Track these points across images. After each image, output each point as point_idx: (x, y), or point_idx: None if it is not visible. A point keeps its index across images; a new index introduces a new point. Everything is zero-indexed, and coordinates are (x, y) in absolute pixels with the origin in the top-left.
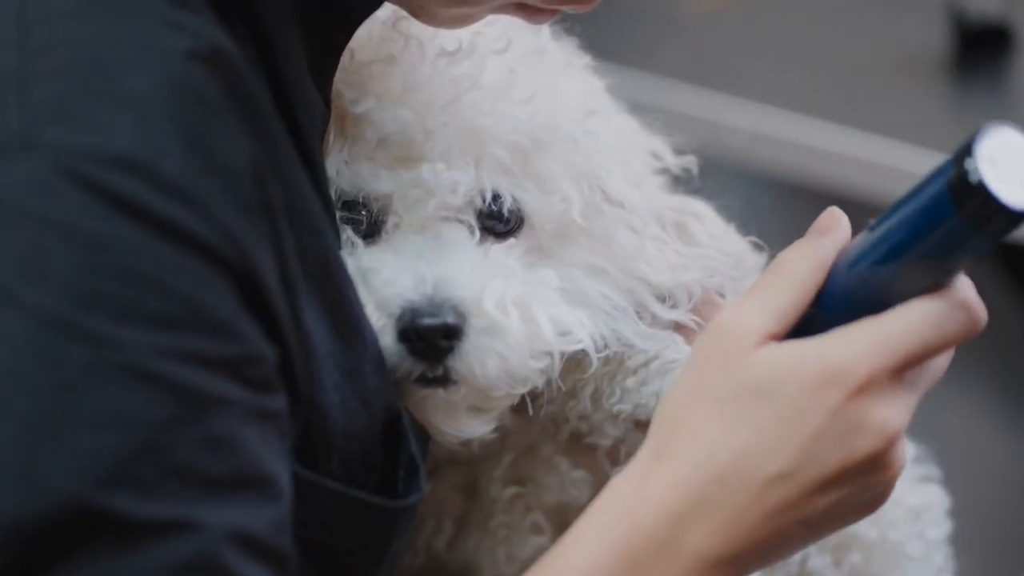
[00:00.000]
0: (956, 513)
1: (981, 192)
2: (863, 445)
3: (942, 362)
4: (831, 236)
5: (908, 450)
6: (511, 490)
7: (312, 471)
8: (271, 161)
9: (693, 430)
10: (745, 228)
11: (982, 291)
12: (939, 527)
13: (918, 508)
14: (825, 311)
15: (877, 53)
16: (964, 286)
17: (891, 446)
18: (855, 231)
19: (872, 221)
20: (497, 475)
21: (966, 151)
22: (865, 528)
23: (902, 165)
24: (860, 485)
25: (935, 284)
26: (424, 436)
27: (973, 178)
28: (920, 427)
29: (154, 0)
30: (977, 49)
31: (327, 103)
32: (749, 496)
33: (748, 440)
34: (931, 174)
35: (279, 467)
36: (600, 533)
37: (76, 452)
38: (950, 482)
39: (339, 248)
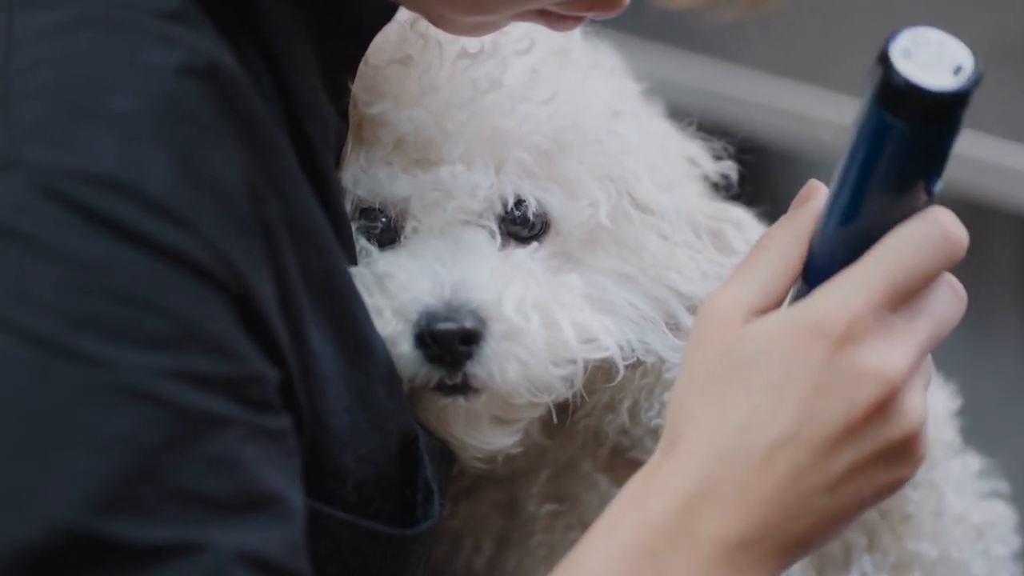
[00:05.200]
0: None
1: (906, 85)
2: (863, 395)
3: (946, 300)
4: (808, 205)
5: (934, 397)
6: (549, 507)
7: (320, 501)
8: (270, 178)
9: (693, 416)
10: None
11: None
12: (1005, 544)
13: (981, 525)
14: (813, 276)
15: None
16: (938, 209)
17: (895, 392)
18: None
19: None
20: (535, 492)
21: (882, 57)
22: (927, 547)
23: (992, 158)
24: (875, 440)
25: (907, 213)
26: (449, 457)
27: (895, 79)
28: (987, 440)
29: (145, 15)
30: None
31: (344, 116)
32: (755, 468)
33: (744, 412)
34: (863, 98)
35: (286, 485)
36: (612, 534)
37: (72, 477)
38: (1019, 497)
39: (352, 264)
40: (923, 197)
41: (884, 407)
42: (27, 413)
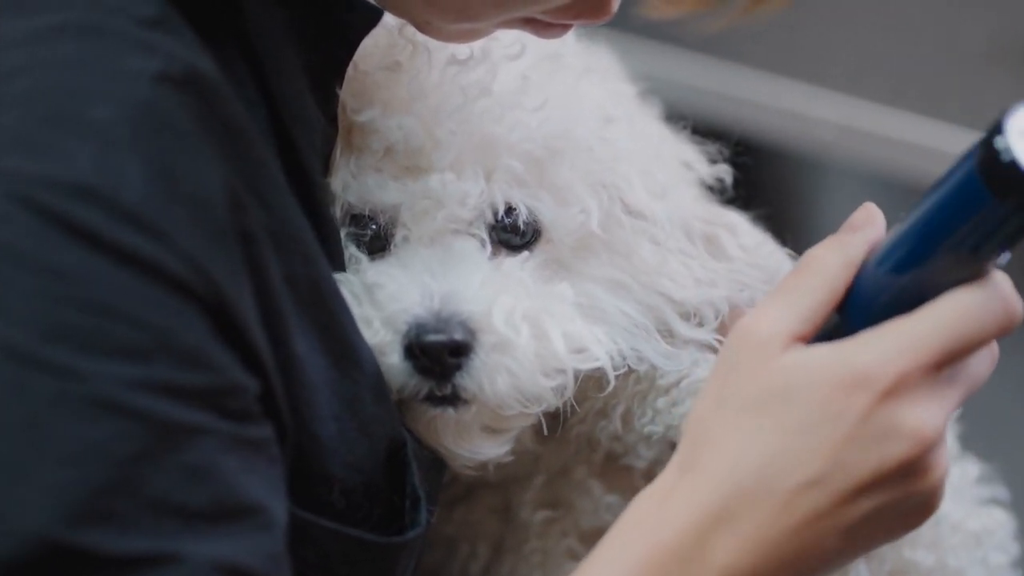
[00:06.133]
0: None
1: (1014, 170)
2: (896, 451)
3: (983, 362)
4: (862, 233)
5: (955, 458)
6: (543, 514)
7: (307, 508)
8: (252, 185)
9: (717, 440)
10: (829, 222)
11: None
12: (1004, 552)
13: (979, 533)
14: (854, 310)
15: (968, 42)
16: (999, 278)
17: (927, 451)
18: None
19: (903, 214)
20: (529, 498)
21: (996, 129)
22: (923, 554)
23: None
24: (898, 492)
25: (969, 276)
26: (438, 464)
27: (1005, 157)
28: (986, 445)
29: (124, 22)
30: None
31: (333, 121)
32: (776, 507)
33: (773, 448)
34: (960, 158)
35: (268, 495)
36: (623, 551)
37: (44, 489)
38: (1019, 504)
39: (340, 271)
40: (991, 265)
41: (913, 464)
42: None
